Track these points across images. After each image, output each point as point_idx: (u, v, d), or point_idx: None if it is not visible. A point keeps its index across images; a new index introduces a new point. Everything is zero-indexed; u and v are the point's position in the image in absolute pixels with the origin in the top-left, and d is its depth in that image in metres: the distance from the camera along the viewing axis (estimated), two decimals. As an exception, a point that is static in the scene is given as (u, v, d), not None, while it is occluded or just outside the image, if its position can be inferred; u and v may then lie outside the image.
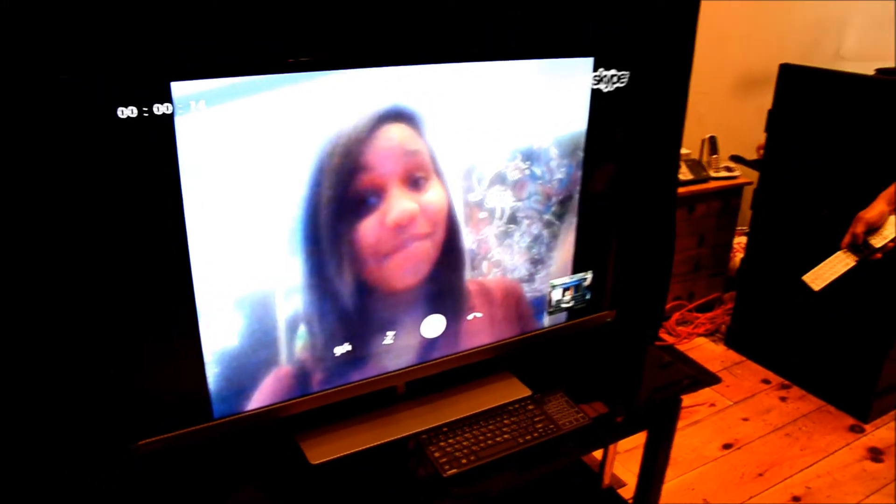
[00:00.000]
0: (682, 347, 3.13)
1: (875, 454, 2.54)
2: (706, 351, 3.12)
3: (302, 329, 1.31)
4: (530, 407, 1.55)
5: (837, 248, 1.68)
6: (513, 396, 1.59)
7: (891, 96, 2.47)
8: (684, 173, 3.05)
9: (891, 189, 1.67)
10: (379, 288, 1.37)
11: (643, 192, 1.81)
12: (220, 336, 1.24)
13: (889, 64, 2.74)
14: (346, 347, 1.39)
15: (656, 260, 1.98)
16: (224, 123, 1.11)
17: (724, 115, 3.42)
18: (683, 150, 3.01)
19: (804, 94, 2.73)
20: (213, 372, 1.26)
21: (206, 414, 1.29)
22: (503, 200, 1.45)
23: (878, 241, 1.63)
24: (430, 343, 1.51)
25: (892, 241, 1.63)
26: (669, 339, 3.15)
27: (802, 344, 2.87)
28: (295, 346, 1.32)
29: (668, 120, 1.84)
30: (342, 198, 1.25)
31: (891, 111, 2.44)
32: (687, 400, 1.75)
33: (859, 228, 1.63)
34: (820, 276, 1.66)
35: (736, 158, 3.26)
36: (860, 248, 1.64)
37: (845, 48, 3.82)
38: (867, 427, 2.68)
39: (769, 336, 3.01)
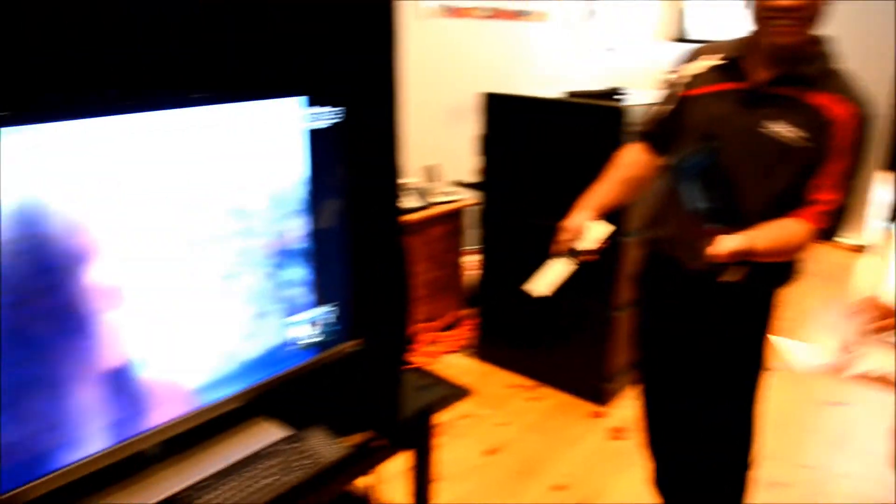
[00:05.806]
0: (433, 367, 3.23)
1: (618, 433, 2.80)
2: (457, 367, 3.25)
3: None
4: (290, 446, 1.51)
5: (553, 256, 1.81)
6: (270, 439, 1.54)
7: (579, 115, 2.80)
8: (411, 201, 3.19)
9: (586, 196, 1.85)
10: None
11: (370, 222, 1.85)
12: None
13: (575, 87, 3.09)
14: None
15: (393, 286, 2.04)
16: None
17: (442, 143, 3.62)
18: (408, 180, 3.14)
19: (506, 118, 2.98)
20: None
21: None
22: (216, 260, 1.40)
23: (583, 245, 1.78)
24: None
25: (596, 242, 1.78)
26: (419, 361, 3.23)
27: (542, 346, 3.12)
28: None
29: (386, 151, 1.91)
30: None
31: (580, 128, 2.75)
32: (445, 415, 1.81)
33: (562, 237, 1.79)
34: (539, 283, 1.78)
35: (458, 183, 3.47)
36: (570, 253, 1.79)
37: (538, 74, 4.27)
38: (606, 410, 2.96)
39: (513, 343, 3.22)
